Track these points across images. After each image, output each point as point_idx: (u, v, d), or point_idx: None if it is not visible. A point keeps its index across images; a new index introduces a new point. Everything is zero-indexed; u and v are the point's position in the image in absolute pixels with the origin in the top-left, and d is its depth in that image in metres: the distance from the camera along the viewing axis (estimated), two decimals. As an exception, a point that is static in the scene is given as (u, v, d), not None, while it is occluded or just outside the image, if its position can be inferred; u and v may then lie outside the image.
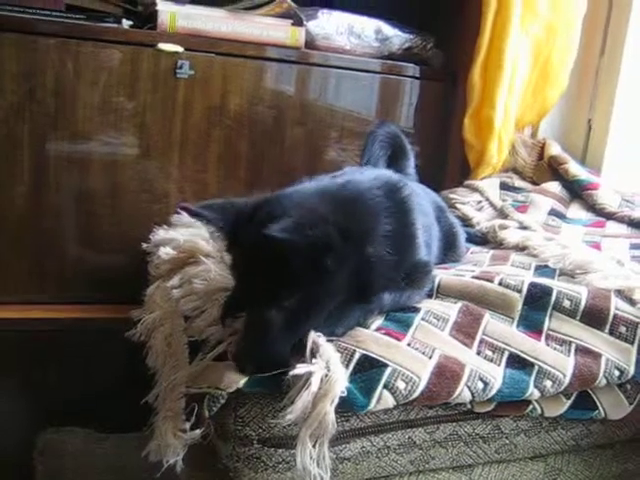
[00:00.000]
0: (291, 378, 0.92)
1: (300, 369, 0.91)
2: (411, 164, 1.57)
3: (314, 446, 0.90)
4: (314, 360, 0.93)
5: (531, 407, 1.07)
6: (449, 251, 1.42)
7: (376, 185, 1.15)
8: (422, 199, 1.33)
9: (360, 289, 1.05)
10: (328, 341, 0.99)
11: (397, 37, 1.84)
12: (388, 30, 1.83)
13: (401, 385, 0.97)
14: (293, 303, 0.97)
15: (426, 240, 1.23)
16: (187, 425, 0.95)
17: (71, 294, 1.67)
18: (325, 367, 0.92)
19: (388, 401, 0.96)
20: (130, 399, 1.19)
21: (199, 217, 1.04)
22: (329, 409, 0.90)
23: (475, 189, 1.78)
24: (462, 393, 1.00)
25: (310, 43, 1.75)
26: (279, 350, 0.96)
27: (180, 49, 1.61)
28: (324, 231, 0.95)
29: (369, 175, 1.22)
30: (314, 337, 0.96)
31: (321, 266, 0.96)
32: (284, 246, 0.90)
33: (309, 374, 0.91)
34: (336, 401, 0.91)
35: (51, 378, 1.63)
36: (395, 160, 1.53)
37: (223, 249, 1.11)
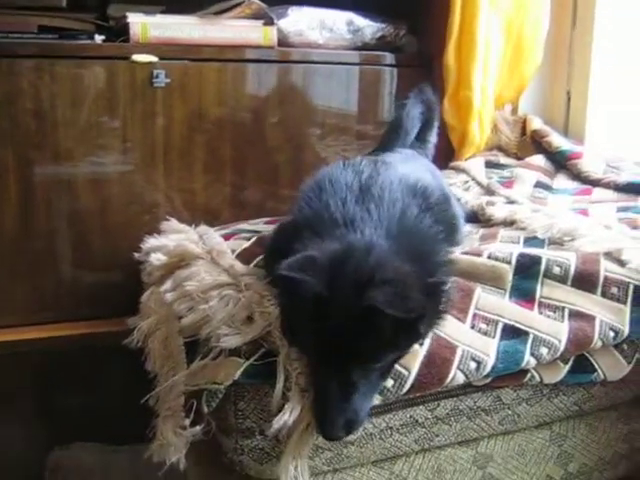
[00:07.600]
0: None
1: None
2: (434, 133, 1.66)
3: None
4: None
5: (530, 375, 1.08)
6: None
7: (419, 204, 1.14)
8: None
9: None
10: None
11: (369, 27, 1.85)
12: (359, 21, 1.84)
13: (388, 383, 0.98)
14: (382, 365, 0.95)
15: None
16: (187, 422, 0.96)
17: (69, 312, 1.66)
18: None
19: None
20: (139, 410, 1.20)
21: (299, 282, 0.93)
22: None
23: (461, 170, 1.78)
24: (455, 377, 1.01)
25: (283, 41, 1.75)
26: (365, 411, 0.94)
27: (155, 59, 1.62)
28: (419, 301, 0.93)
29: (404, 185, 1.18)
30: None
31: (415, 332, 0.97)
32: (389, 318, 0.89)
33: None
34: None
35: (57, 396, 1.63)
36: (422, 129, 1.60)
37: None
